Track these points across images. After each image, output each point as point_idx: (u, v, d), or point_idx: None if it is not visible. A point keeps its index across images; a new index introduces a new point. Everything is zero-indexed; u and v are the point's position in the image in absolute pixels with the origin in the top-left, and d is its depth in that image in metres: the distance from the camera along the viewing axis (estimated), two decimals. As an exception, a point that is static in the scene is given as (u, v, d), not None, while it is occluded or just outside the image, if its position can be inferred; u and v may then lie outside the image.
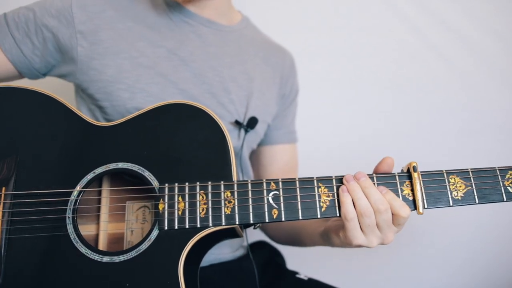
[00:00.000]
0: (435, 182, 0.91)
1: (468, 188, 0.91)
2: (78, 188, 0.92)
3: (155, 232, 0.90)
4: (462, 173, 0.92)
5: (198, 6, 1.19)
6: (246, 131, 1.19)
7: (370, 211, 0.88)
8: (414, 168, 0.91)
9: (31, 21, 1.07)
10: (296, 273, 1.23)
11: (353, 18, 1.82)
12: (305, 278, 1.20)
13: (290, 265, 1.34)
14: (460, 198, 0.90)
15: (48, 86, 1.07)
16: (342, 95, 1.80)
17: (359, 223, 0.89)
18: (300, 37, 1.80)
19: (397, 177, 0.92)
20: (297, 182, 0.92)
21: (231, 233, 0.96)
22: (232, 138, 1.15)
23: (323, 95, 1.80)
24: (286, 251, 1.39)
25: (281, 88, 1.34)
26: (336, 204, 0.91)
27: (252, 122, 1.18)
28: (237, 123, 1.18)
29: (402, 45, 1.80)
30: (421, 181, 0.91)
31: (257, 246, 1.32)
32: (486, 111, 1.77)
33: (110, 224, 1.00)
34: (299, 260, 1.49)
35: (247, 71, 1.25)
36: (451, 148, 1.77)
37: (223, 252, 1.19)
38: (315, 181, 0.92)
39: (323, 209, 0.90)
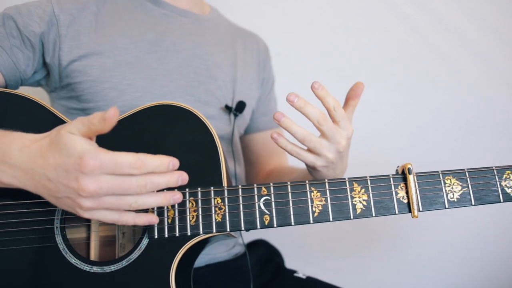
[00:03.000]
0: (431, 184, 0.89)
1: (464, 189, 0.89)
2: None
3: (145, 241, 0.88)
4: (458, 174, 0.90)
5: None
6: (236, 116, 1.21)
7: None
8: (409, 170, 0.89)
9: (14, 29, 1.03)
10: (294, 271, 1.22)
11: (352, 18, 1.81)
12: (303, 277, 1.19)
13: (289, 264, 1.33)
14: (456, 200, 0.88)
15: (30, 89, 1.06)
16: (342, 95, 1.78)
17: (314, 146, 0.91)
18: (299, 36, 1.79)
19: (391, 179, 0.90)
20: (289, 187, 0.90)
21: (222, 235, 0.94)
22: (223, 124, 1.19)
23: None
24: (285, 250, 1.38)
25: (259, 72, 1.38)
26: (330, 209, 0.89)
27: (241, 106, 1.22)
28: (227, 108, 1.20)
29: (402, 45, 1.80)
30: (416, 183, 0.89)
31: (255, 245, 1.32)
32: (486, 111, 1.76)
33: (101, 226, 0.98)
34: (297, 259, 1.49)
35: (229, 57, 1.28)
36: (451, 147, 1.75)
37: (219, 251, 1.17)
38: (307, 185, 0.90)
39: (315, 214, 0.88)
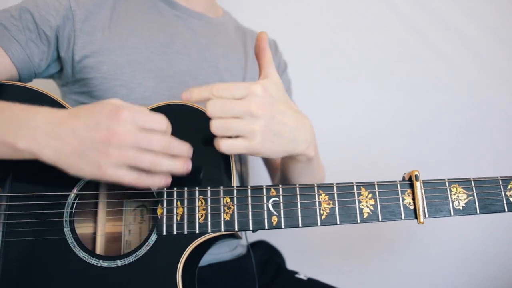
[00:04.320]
0: (437, 191, 0.91)
1: (470, 198, 0.90)
2: (75, 191, 0.91)
3: (153, 237, 0.89)
4: (464, 182, 0.91)
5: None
6: None
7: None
8: (416, 177, 0.90)
9: (30, 22, 1.03)
10: (296, 273, 1.23)
11: (352, 18, 1.81)
12: (305, 278, 1.20)
13: (290, 265, 1.34)
14: (461, 208, 0.90)
15: (42, 84, 1.06)
16: (342, 95, 1.80)
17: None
18: (299, 36, 1.79)
19: (398, 185, 0.91)
20: (298, 189, 0.91)
21: (229, 235, 0.95)
22: None
23: (322, 95, 1.79)
24: (286, 251, 1.39)
25: None
26: (337, 213, 0.90)
27: None
28: None
29: (402, 45, 1.81)
30: (423, 190, 0.90)
31: (257, 246, 1.32)
32: (486, 111, 1.78)
33: (108, 223, 0.99)
34: (299, 260, 1.50)
35: (239, 60, 1.29)
36: (451, 147, 1.77)
37: (222, 251, 1.18)
38: (315, 188, 0.91)
39: (323, 216, 0.89)
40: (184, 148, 0.85)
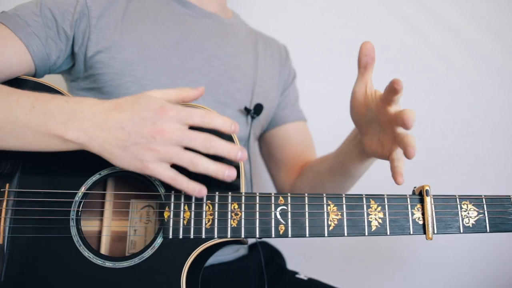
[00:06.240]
0: (447, 207, 0.90)
1: (480, 215, 0.90)
2: (82, 189, 0.91)
3: (159, 240, 0.88)
4: (475, 199, 0.90)
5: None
6: (253, 118, 1.22)
7: None
8: (427, 192, 0.89)
9: (50, 20, 1.02)
10: (296, 273, 1.24)
11: (352, 18, 1.81)
12: (305, 278, 1.21)
13: (290, 265, 1.34)
14: (471, 226, 0.89)
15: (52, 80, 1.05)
16: (341, 95, 1.78)
17: None
18: (299, 36, 1.79)
19: (408, 199, 0.90)
20: (306, 198, 0.90)
21: (235, 241, 0.95)
22: (240, 125, 1.19)
23: (321, 95, 1.79)
24: (286, 251, 1.39)
25: (280, 75, 1.39)
26: (345, 224, 0.89)
27: (258, 109, 1.22)
28: (246, 110, 1.20)
29: (402, 45, 1.80)
30: (433, 206, 0.89)
31: (257, 246, 1.32)
32: (486, 111, 1.78)
33: (114, 222, 0.98)
34: (299, 260, 1.50)
35: (250, 60, 1.29)
36: (450, 147, 1.77)
37: (225, 252, 1.19)
38: (324, 198, 0.90)
39: (331, 227, 0.89)
40: (231, 147, 0.84)
